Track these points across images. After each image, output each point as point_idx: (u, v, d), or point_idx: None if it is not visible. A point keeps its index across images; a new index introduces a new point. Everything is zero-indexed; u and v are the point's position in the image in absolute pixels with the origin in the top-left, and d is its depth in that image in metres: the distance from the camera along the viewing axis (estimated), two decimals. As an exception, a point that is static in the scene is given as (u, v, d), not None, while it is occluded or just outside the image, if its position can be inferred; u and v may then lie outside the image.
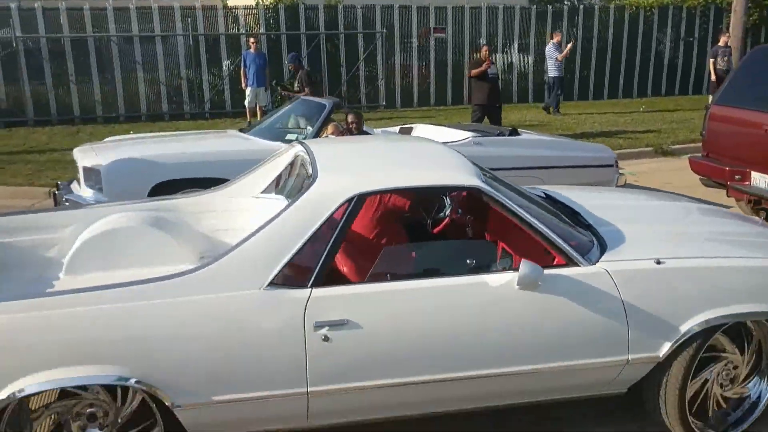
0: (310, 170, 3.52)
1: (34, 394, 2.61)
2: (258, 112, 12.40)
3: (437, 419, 3.08)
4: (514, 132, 6.87)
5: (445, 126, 7.39)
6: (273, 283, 2.71)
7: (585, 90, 18.04)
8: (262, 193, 4.01)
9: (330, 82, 15.67)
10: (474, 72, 10.41)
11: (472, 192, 3.08)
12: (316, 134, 5.91)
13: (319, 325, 2.70)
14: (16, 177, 8.98)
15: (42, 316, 2.58)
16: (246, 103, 12.59)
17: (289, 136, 6.08)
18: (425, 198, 3.80)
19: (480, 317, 2.85)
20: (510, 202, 2.97)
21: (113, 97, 14.46)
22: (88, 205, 4.47)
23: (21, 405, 2.69)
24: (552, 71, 14.37)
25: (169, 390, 2.63)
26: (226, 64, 15.10)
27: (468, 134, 6.47)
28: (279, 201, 3.88)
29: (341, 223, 2.81)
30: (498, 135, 6.75)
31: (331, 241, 2.80)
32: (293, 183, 3.87)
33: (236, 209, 3.98)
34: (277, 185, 4.00)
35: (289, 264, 2.74)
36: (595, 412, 3.48)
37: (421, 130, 7.21)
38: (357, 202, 2.84)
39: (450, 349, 2.82)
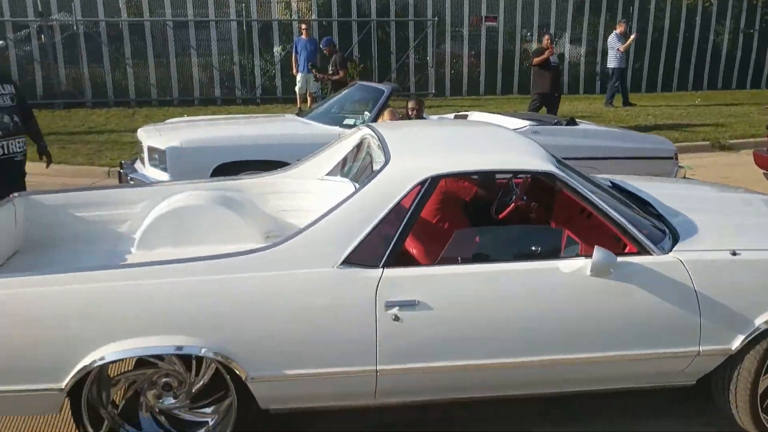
0: (378, 153, 3.55)
1: (113, 362, 2.71)
2: (308, 99, 12.48)
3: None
4: (571, 122, 6.79)
5: (500, 114, 7.34)
6: (346, 262, 2.75)
7: (638, 82, 17.66)
8: (326, 175, 4.06)
9: (380, 70, 15.68)
10: (536, 60, 10.36)
11: (545, 177, 3.06)
12: (374, 119, 5.93)
13: (390, 305, 2.73)
14: (77, 156, 9.24)
15: (124, 287, 2.66)
16: (296, 89, 12.68)
17: (347, 121, 6.12)
18: (490, 184, 3.80)
19: (549, 303, 2.84)
20: (583, 188, 2.95)
21: (167, 81, 14.73)
22: (158, 183, 4.57)
23: (101, 372, 2.79)
24: (612, 62, 14.07)
25: (243, 362, 2.69)
26: (277, 49, 15.23)
27: (525, 123, 6.42)
28: (344, 184, 3.93)
29: (414, 205, 2.83)
30: (555, 124, 6.68)
31: (403, 223, 2.82)
32: (359, 166, 3.90)
33: (301, 191, 4.03)
34: (342, 168, 4.04)
35: (362, 244, 2.77)
36: (660, 403, 3.44)
37: (476, 117, 7.18)
38: (430, 184, 2.86)
39: (518, 333, 2.83)
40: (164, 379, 2.88)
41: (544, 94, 10.32)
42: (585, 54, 17.25)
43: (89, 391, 2.75)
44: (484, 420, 3.31)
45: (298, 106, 12.36)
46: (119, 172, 6.10)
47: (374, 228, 2.79)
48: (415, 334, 2.77)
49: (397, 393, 2.93)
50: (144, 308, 2.66)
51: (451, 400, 3.05)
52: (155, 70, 14.62)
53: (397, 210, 2.82)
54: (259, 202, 4.04)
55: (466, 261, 2.95)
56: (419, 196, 2.84)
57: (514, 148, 3.23)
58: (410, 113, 5.90)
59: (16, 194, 3.83)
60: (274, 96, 15.08)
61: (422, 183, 2.85)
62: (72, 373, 2.61)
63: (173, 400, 2.91)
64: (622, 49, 13.82)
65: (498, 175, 4.03)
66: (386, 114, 6.04)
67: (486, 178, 3.79)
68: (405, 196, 2.83)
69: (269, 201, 4.06)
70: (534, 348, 2.85)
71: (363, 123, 6.01)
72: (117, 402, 2.96)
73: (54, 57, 14.05)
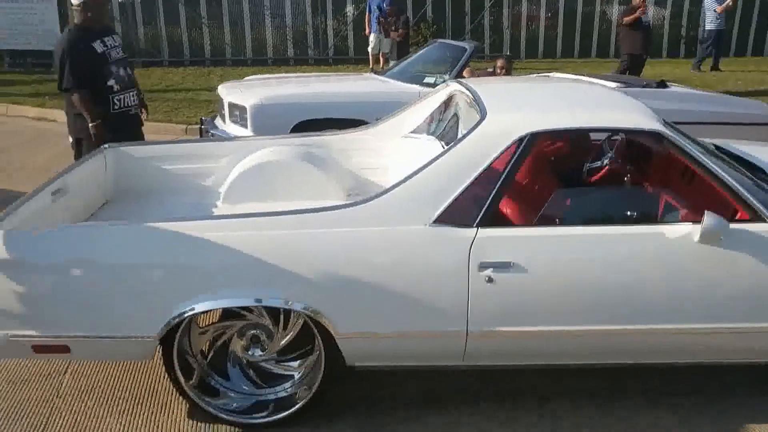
0: (467, 110, 3.43)
1: (203, 313, 2.72)
2: (381, 59, 12.35)
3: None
4: (662, 84, 6.45)
5: (584, 76, 7.04)
6: (439, 221, 2.66)
7: (726, 45, 16.71)
8: (411, 133, 3.97)
9: (453, 30, 15.34)
10: (627, 19, 9.79)
11: (652, 137, 2.88)
12: (457, 77, 5.77)
13: (483, 266, 2.64)
14: (156, 114, 9.37)
15: (216, 237, 2.64)
16: (369, 49, 12.56)
17: (427, 79, 5.99)
18: (584, 144, 3.62)
19: (652, 269, 2.69)
20: (693, 149, 2.76)
21: (242, 41, 14.84)
22: (243, 138, 4.58)
23: (191, 322, 2.81)
24: (710, 23, 13.34)
25: (332, 318, 2.66)
26: (350, 9, 15.09)
27: (612, 85, 6.11)
28: (429, 141, 3.82)
29: (511, 162, 2.71)
30: (645, 86, 6.36)
31: (500, 181, 2.70)
32: (446, 124, 3.79)
33: (385, 148, 3.96)
34: (428, 125, 3.93)
35: (456, 202, 2.67)
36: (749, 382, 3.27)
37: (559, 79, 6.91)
38: (529, 141, 2.72)
39: (616, 300, 2.69)
40: (252, 332, 2.89)
41: (634, 55, 9.78)
42: (670, 16, 16.42)
43: (180, 340, 2.77)
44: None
45: (371, 66, 12.25)
46: (200, 128, 6.17)
47: (469, 186, 2.68)
48: (508, 297, 2.67)
49: (486, 356, 2.85)
50: (234, 260, 2.64)
51: (540, 366, 2.96)
52: (230, 30, 14.72)
53: (494, 167, 2.71)
54: (342, 158, 3.99)
55: (564, 223, 2.82)
56: (517, 154, 2.71)
57: (618, 105, 3.05)
58: (498, 72, 5.72)
59: (106, 145, 3.89)
60: (347, 56, 15.01)
61: (521, 140, 2.72)
62: (164, 322, 2.64)
63: (260, 353, 2.92)
64: (720, 9, 13.07)
65: (591, 136, 3.86)
66: (466, 74, 5.88)
67: (580, 138, 3.62)
68: (502, 153, 2.70)
69: (352, 158, 4.01)
70: (631, 316, 2.71)
71: (445, 82, 5.88)
72: (206, 352, 2.99)
73: (133, 16, 14.31)
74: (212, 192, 3.85)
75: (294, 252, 2.65)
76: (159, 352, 2.78)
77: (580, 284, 2.67)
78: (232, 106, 5.70)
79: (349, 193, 3.76)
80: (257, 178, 3.68)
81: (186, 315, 2.64)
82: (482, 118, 2.81)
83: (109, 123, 4.40)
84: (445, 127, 3.81)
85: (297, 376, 2.98)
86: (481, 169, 2.69)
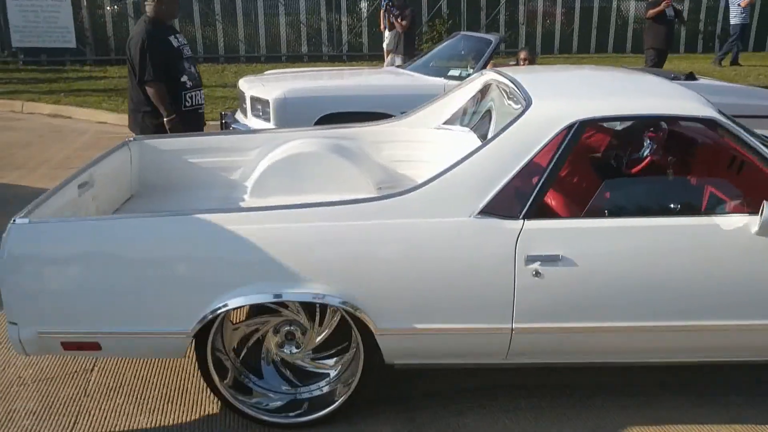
0: (502, 100, 3.32)
1: (237, 308, 2.62)
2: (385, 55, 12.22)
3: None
4: (690, 77, 6.31)
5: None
6: (484, 212, 2.54)
7: (745, 40, 16.50)
8: (443, 124, 3.86)
9: (469, 26, 15.20)
10: (651, 12, 9.61)
11: (706, 125, 2.75)
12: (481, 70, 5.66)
13: (531, 259, 2.52)
14: (172, 110, 9.35)
15: (253, 230, 2.54)
16: (384, 45, 12.41)
17: (452, 72, 5.88)
18: (628, 135, 3.50)
19: (706, 262, 2.56)
20: (750, 138, 2.64)
21: (255, 38, 14.76)
22: (271, 130, 4.48)
23: (224, 318, 2.71)
24: (735, 17, 13.16)
25: (373, 313, 2.55)
26: (364, 6, 14.98)
27: (641, 77, 5.99)
28: (463, 133, 3.72)
29: (559, 151, 2.59)
30: (673, 79, 6.20)
31: (547, 171, 2.59)
32: (481, 115, 3.68)
33: (417, 140, 3.85)
34: (462, 117, 3.82)
35: (501, 193, 2.56)
36: None
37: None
38: (577, 129, 2.60)
39: (669, 294, 2.57)
40: (287, 328, 2.78)
41: (659, 50, 9.60)
42: (688, 11, 16.22)
43: (214, 337, 2.67)
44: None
45: (386, 63, 12.12)
46: (222, 122, 6.08)
47: (515, 176, 2.57)
48: (556, 292, 2.55)
49: (530, 354, 2.74)
50: (270, 253, 2.53)
51: (586, 364, 2.84)
52: (244, 26, 14.64)
53: (541, 157, 2.59)
54: (372, 151, 3.89)
55: (613, 215, 2.70)
56: (565, 143, 2.59)
57: (669, 93, 2.93)
58: (521, 64, 5.60)
59: (131, 138, 3.80)
60: (361, 53, 14.91)
61: (569, 127, 2.59)
62: (198, 318, 2.54)
63: (295, 350, 2.82)
64: (744, 3, 12.88)
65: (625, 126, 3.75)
66: (488, 68, 5.74)
67: (624, 128, 3.50)
68: (550, 141, 2.58)
69: (383, 150, 3.90)
70: (685, 312, 2.59)
71: (468, 75, 5.76)
72: (239, 350, 2.89)
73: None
74: (239, 186, 3.76)
75: (332, 245, 2.55)
76: (192, 348, 2.69)
77: (632, 278, 2.55)
78: (254, 99, 5.61)
79: (379, 186, 3.66)
80: (287, 171, 3.58)
81: (221, 310, 2.54)
82: (527, 106, 2.69)
83: (181, 121, 4.31)
84: (478, 118, 3.70)
85: (332, 374, 2.88)
86: (527, 159, 2.57)
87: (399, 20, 9.49)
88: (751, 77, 11.99)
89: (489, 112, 3.59)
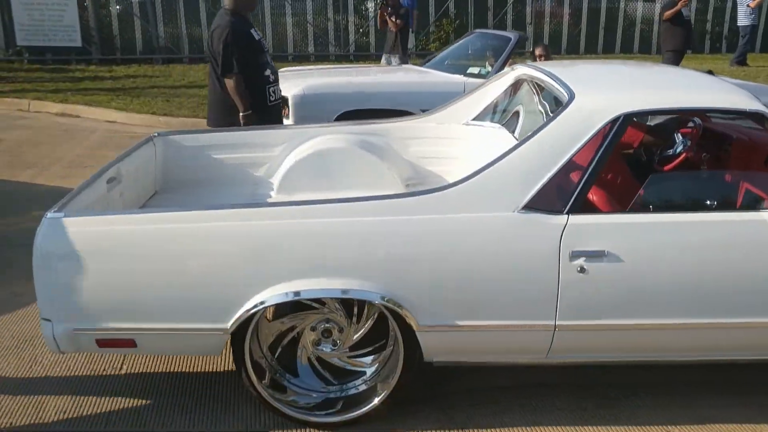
0: (532, 95, 3.27)
1: (276, 305, 2.57)
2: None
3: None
4: (709, 74, 6.25)
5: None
6: (527, 207, 2.50)
7: (752, 41, 16.47)
8: (473, 120, 3.81)
9: (476, 25, 15.11)
10: (667, 14, 9.47)
11: (754, 119, 2.71)
12: (501, 68, 5.61)
13: (576, 255, 2.47)
14: (182, 109, 9.30)
15: (291, 225, 2.49)
16: (389, 45, 12.39)
17: (471, 69, 5.83)
18: (664, 130, 3.45)
19: (756, 258, 2.52)
20: (798, 132, 2.60)
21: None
22: (297, 126, 4.42)
23: (262, 315, 2.66)
24: (743, 18, 13.10)
25: (414, 310, 2.50)
26: (371, 6, 14.94)
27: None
28: (494, 129, 3.68)
29: (604, 145, 2.54)
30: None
31: (592, 166, 2.54)
32: (512, 110, 3.63)
33: (446, 136, 3.81)
34: (492, 112, 3.77)
35: (545, 187, 2.51)
36: None
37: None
38: (622, 123, 2.56)
39: (717, 290, 2.53)
40: (324, 325, 2.73)
41: (677, 51, 9.45)
42: (695, 12, 16.18)
43: (252, 333, 2.62)
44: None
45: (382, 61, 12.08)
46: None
47: (559, 170, 2.52)
48: (601, 288, 2.51)
49: (572, 351, 2.69)
50: (308, 249, 2.49)
51: (629, 362, 2.79)
52: (251, 26, 14.58)
53: (585, 150, 2.54)
54: (400, 147, 3.84)
55: (659, 210, 2.65)
56: (610, 136, 2.55)
57: (714, 86, 2.89)
58: (538, 58, 5.55)
59: (155, 134, 3.75)
60: (368, 53, 14.85)
61: (614, 121, 2.55)
62: (237, 314, 2.49)
63: (332, 348, 2.77)
64: (752, 4, 12.83)
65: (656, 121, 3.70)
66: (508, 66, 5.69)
67: (662, 123, 3.45)
68: (594, 135, 2.54)
69: (410, 146, 3.86)
70: (733, 308, 2.54)
71: (487, 73, 5.72)
72: (275, 347, 2.83)
73: (153, 13, 14.20)
74: (265, 182, 3.71)
75: (371, 240, 2.50)
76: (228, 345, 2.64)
77: (680, 274, 2.50)
78: (272, 96, 5.55)
79: (407, 183, 3.61)
80: (314, 167, 3.54)
81: (259, 307, 2.49)
82: (570, 100, 2.64)
83: (265, 115, 4.20)
84: (510, 114, 3.66)
85: (369, 372, 2.83)
86: (571, 153, 2.53)
87: (392, 19, 9.42)
88: (761, 78, 11.93)
89: (520, 108, 3.55)
